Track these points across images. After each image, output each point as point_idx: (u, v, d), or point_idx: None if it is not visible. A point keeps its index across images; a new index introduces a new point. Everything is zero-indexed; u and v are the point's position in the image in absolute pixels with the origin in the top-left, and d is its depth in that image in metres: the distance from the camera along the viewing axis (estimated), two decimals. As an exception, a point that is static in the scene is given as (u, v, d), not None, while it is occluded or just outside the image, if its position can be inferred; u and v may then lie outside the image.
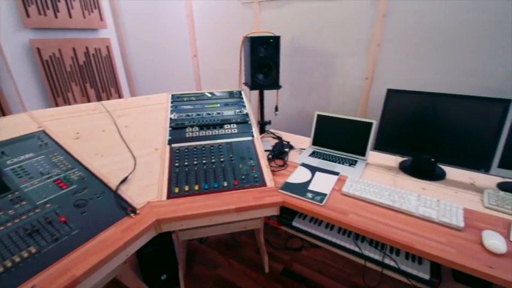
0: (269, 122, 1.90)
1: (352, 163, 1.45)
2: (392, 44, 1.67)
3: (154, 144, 1.40)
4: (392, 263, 1.18)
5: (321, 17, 1.85)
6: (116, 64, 2.52)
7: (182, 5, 2.38)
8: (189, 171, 1.28)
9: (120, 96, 2.64)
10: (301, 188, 1.23)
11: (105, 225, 1.00)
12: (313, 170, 1.37)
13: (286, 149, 1.60)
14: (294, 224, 1.42)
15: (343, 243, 1.29)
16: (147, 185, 1.21)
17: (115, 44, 2.54)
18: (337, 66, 1.92)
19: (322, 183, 1.27)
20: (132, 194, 1.15)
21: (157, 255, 1.50)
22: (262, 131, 1.91)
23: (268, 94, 1.93)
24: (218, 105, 1.65)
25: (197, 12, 2.37)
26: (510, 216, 1.03)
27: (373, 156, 1.52)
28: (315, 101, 2.11)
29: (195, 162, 1.31)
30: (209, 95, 1.73)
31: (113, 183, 1.17)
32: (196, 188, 1.21)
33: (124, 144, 1.37)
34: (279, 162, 1.47)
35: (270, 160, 1.47)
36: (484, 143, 1.18)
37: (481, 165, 1.20)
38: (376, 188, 1.18)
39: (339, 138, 1.54)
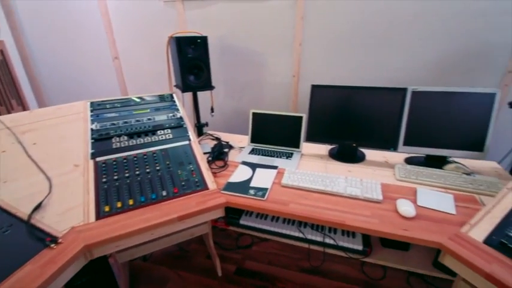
0: (206, 124, 1.87)
1: (289, 156, 1.53)
2: (313, 43, 1.83)
3: (73, 161, 1.22)
4: (331, 242, 1.31)
5: (247, 17, 1.90)
6: (15, 71, 2.12)
7: (95, 4, 2.13)
8: (120, 185, 1.16)
9: (24, 108, 2.23)
10: (243, 186, 1.25)
11: (18, 264, 0.83)
12: (254, 166, 1.40)
13: (226, 149, 1.60)
14: (242, 222, 1.44)
15: (288, 232, 1.37)
16: (68, 208, 1.05)
17: (11, 47, 2.13)
18: (267, 65, 2.01)
19: (263, 178, 1.31)
20: (50, 222, 0.98)
21: (93, 284, 1.32)
22: (199, 133, 1.86)
23: (203, 95, 1.89)
24: (148, 110, 1.54)
25: (114, 11, 2.16)
26: (415, 185, 1.24)
27: (307, 147, 1.64)
28: (250, 99, 2.16)
29: (127, 175, 1.20)
30: (137, 100, 1.60)
31: (23, 212, 0.98)
32: (131, 202, 1.10)
33: (34, 165, 1.16)
34: (220, 163, 1.46)
35: (210, 162, 1.44)
36: (391, 126, 1.39)
37: (391, 145, 1.41)
38: (311, 176, 1.28)
39: (275, 133, 1.62)
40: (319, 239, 1.33)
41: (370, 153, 1.56)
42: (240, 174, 1.34)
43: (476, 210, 0.99)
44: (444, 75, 1.67)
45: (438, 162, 1.36)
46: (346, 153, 1.52)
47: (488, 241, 0.86)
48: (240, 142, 1.74)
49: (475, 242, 0.87)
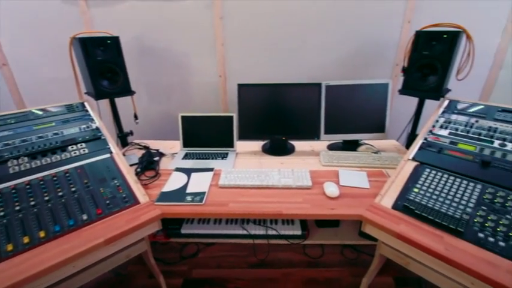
0: (131, 133, 1.71)
1: (224, 156, 1.53)
2: (235, 43, 1.86)
3: (-50, 197, 0.96)
4: (274, 232, 1.36)
5: (163, 17, 1.80)
6: None
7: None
8: (25, 217, 0.96)
9: None
10: (179, 194, 1.19)
11: None
12: (189, 172, 1.35)
13: (156, 158, 1.49)
14: (183, 231, 1.37)
15: (232, 232, 1.37)
16: None
17: None
18: (192, 66, 1.95)
19: (199, 182, 1.27)
20: None
21: None
22: (124, 144, 1.69)
23: (122, 102, 1.72)
24: (53, 124, 1.31)
25: (-5, 9, 1.76)
26: (337, 167, 1.40)
27: (241, 145, 1.67)
28: (178, 102, 2.07)
29: (33, 203, 1.01)
30: (39, 113, 1.35)
31: None
32: (43, 235, 0.93)
33: None
34: (150, 173, 1.36)
35: (139, 174, 1.33)
36: (312, 118, 1.53)
37: (314, 135, 1.56)
38: (247, 173, 1.30)
39: (208, 135, 1.59)
40: (262, 232, 1.37)
41: (298, 145, 1.69)
42: (174, 181, 1.27)
43: (384, 182, 1.17)
44: (351, 70, 1.92)
45: (353, 146, 1.57)
46: (278, 147, 1.61)
47: (395, 206, 1.03)
48: (172, 148, 1.65)
49: (386, 209, 1.03)
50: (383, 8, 1.74)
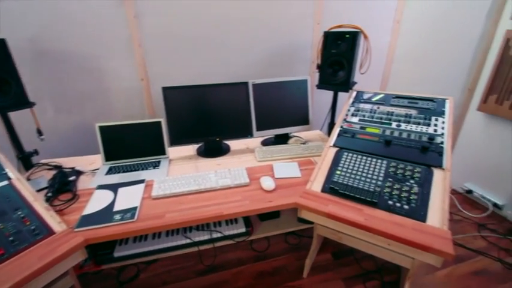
0: (35, 152, 1.44)
1: (156, 165, 1.43)
2: (155, 44, 1.75)
3: None
4: (219, 235, 1.35)
5: (65, 15, 1.56)
6: None
7: None
8: None
9: None
10: (105, 214, 1.06)
11: None
12: (115, 188, 1.22)
13: (72, 178, 1.29)
14: (117, 254, 1.23)
15: (175, 243, 1.29)
16: None
17: None
18: (107, 70, 1.75)
19: (129, 197, 1.16)
20: None
21: None
22: (28, 166, 1.41)
23: (19, 116, 1.43)
24: None
25: None
26: (272, 161, 1.47)
27: (174, 151, 1.59)
28: (95, 112, 1.83)
29: None
30: None
31: None
32: None
33: None
34: (66, 196, 1.17)
35: (50, 199, 1.13)
36: (244, 116, 1.56)
37: (247, 132, 1.59)
38: (183, 180, 1.25)
39: (134, 144, 1.46)
40: (207, 237, 1.34)
41: (233, 144, 1.70)
42: (97, 201, 1.13)
43: (313, 170, 1.28)
44: (274, 68, 2.03)
45: (284, 139, 1.67)
46: (213, 149, 1.59)
47: (323, 189, 1.14)
48: (92, 164, 1.46)
49: (316, 193, 1.13)
50: (296, 11, 1.89)
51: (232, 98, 1.51)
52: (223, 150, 1.60)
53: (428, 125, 1.25)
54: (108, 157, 1.43)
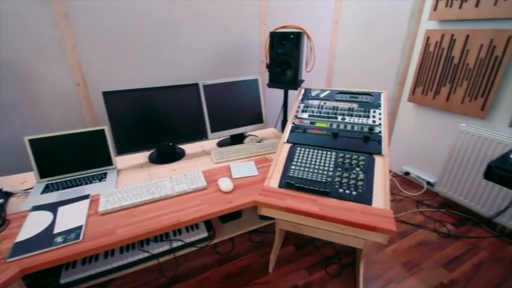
0: None
1: (103, 177, 1.32)
2: (92, 45, 1.60)
3: None
4: (180, 243, 1.29)
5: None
6: None
7: None
8: None
9: None
10: (43, 238, 0.94)
11: None
12: (53, 207, 1.08)
13: (0, 200, 1.12)
14: (64, 280, 1.10)
15: (131, 259, 1.21)
16: None
17: None
18: (37, 75, 1.54)
19: (72, 216, 1.04)
20: None
21: None
22: None
23: None
24: None
25: None
26: (229, 162, 1.46)
27: (123, 160, 1.48)
28: (24, 123, 1.60)
29: None
30: None
31: None
32: None
33: None
34: (-8, 223, 1.01)
35: (-29, 230, 0.96)
36: (196, 118, 1.53)
37: (202, 135, 1.56)
38: (134, 190, 1.17)
39: (74, 157, 1.31)
40: (166, 247, 1.27)
41: (188, 147, 1.65)
42: (33, 225, 0.99)
43: (269, 167, 1.31)
44: (225, 68, 2.02)
45: (240, 139, 1.67)
46: (166, 154, 1.52)
47: (280, 185, 1.18)
48: (24, 183, 1.28)
49: (273, 189, 1.16)
50: (243, 11, 1.91)
51: (183, 100, 1.47)
52: (177, 155, 1.54)
53: (368, 116, 1.38)
54: (43, 174, 1.27)
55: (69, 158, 1.30)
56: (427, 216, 1.98)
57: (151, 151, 1.58)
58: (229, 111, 1.60)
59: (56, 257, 0.89)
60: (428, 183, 2.19)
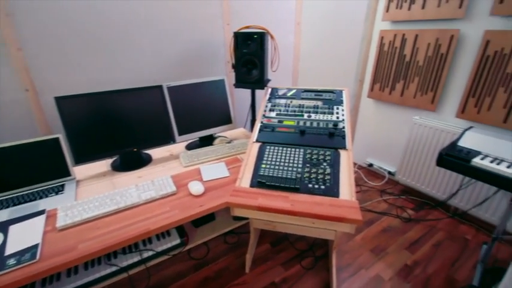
0: None
1: (60, 190, 1.21)
2: (42, 47, 1.46)
3: None
4: (151, 253, 1.24)
5: None
6: None
7: None
8: None
9: None
10: (-9, 263, 0.84)
11: None
12: (3, 227, 0.97)
13: None
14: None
15: (97, 275, 1.13)
16: None
17: None
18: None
19: (26, 235, 0.95)
20: None
21: None
22: None
23: None
24: None
25: None
26: (198, 165, 1.43)
27: (82, 170, 1.38)
28: (-39, 136, 1.42)
29: None
30: None
31: None
32: None
33: None
34: None
35: None
36: (162, 121, 1.47)
37: (169, 138, 1.51)
38: (96, 201, 1.09)
39: (26, 170, 1.19)
40: (136, 259, 1.21)
41: (155, 152, 1.59)
42: (-22, 249, 0.88)
43: (240, 167, 1.31)
44: (190, 69, 1.97)
45: (209, 140, 1.65)
46: (131, 161, 1.44)
47: (252, 184, 1.18)
48: (-36, 203, 1.13)
49: (245, 189, 1.16)
50: (205, 11, 1.88)
51: (147, 103, 1.40)
52: (143, 161, 1.47)
53: (332, 113, 1.44)
54: (-12, 191, 1.13)
55: (20, 172, 1.18)
56: (390, 203, 2.12)
57: (114, 158, 1.49)
58: (197, 112, 1.57)
59: (10, 280, 0.80)
60: (390, 172, 2.35)
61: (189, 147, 1.65)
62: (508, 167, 1.23)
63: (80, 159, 1.29)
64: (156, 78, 1.83)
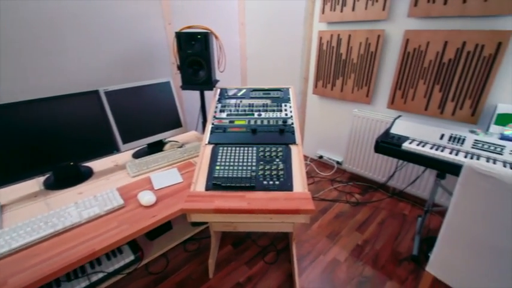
0: None
1: (-23, 219, 1.02)
2: None
3: None
4: (101, 275, 1.13)
5: None
6: None
7: None
8: None
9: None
10: None
11: None
12: None
13: None
14: None
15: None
16: None
17: None
18: None
19: None
20: None
21: None
22: None
23: None
24: None
25: None
26: (149, 173, 1.35)
27: (8, 192, 1.18)
28: None
29: None
30: None
31: None
32: None
33: None
34: None
35: None
36: (102, 130, 1.34)
37: (112, 148, 1.38)
38: (28, 227, 0.95)
39: None
40: (84, 284, 1.09)
41: (96, 164, 1.44)
42: None
43: (194, 171, 1.27)
44: (133, 72, 1.84)
45: (158, 146, 1.56)
46: (67, 177, 1.28)
47: (207, 188, 1.15)
48: None
49: (200, 193, 1.13)
50: (142, 10, 1.77)
51: (82, 111, 1.26)
52: (83, 176, 1.33)
53: (281, 110, 1.49)
54: None
55: None
56: (339, 191, 2.29)
57: (47, 175, 1.31)
58: (142, 118, 1.47)
59: None
60: (338, 162, 2.54)
61: (137, 155, 1.54)
62: (431, 148, 1.43)
63: (3, 180, 1.10)
64: (95, 83, 1.67)
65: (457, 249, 0.97)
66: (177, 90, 1.59)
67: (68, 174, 1.28)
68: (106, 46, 1.68)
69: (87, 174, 1.35)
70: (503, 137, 1.37)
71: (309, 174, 2.53)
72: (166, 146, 1.57)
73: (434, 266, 1.08)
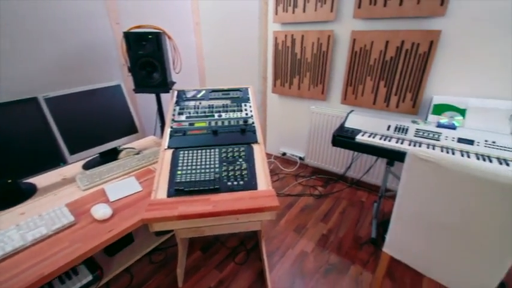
0: None
1: None
2: None
3: None
4: (53, 302, 1.02)
5: None
6: None
7: None
8: None
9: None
10: None
11: None
12: None
13: None
14: None
15: None
16: None
17: None
18: None
19: None
20: None
21: None
22: None
23: None
24: None
25: None
26: (103, 185, 1.25)
27: None
28: None
29: None
30: None
31: None
32: None
33: None
34: None
35: None
36: (44, 141, 1.21)
37: (58, 160, 1.25)
38: (-47, 260, 0.81)
39: None
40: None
41: (40, 180, 1.29)
42: None
43: (153, 178, 1.21)
44: (78, 76, 1.69)
45: (113, 155, 1.46)
46: (5, 196, 1.13)
47: (169, 194, 1.11)
48: None
49: (162, 201, 1.08)
50: (85, 9, 1.63)
51: (18, 121, 1.12)
52: (24, 194, 1.18)
53: (241, 110, 1.49)
54: None
55: None
56: (303, 185, 2.38)
57: (-22, 197, 1.14)
58: (91, 125, 1.36)
59: None
60: (300, 158, 2.63)
61: (88, 166, 1.41)
62: (380, 138, 1.55)
63: None
64: (34, 89, 1.49)
65: (407, 229, 1.07)
66: (130, 93, 1.50)
67: (5, 194, 1.13)
68: (46, 48, 1.51)
69: (30, 191, 1.20)
70: (440, 125, 1.55)
71: (274, 172, 2.58)
72: (122, 154, 1.47)
73: (389, 246, 1.17)
